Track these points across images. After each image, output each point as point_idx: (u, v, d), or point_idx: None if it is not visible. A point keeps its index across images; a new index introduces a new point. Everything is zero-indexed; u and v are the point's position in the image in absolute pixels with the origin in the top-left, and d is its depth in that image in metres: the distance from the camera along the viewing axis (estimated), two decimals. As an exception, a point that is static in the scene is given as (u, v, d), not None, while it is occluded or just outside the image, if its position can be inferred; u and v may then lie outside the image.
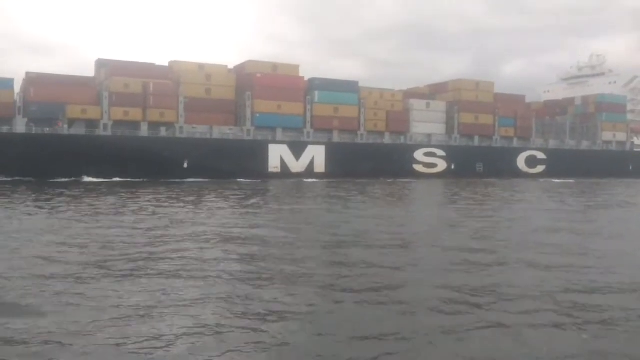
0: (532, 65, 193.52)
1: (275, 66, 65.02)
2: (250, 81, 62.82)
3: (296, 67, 66.25)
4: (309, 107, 65.76)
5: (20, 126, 52.60)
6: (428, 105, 75.34)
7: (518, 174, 78.18)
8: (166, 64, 63.02)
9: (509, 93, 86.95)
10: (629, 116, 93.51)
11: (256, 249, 16.86)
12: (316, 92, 66.32)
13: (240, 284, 12.04)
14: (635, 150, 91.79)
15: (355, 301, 10.88)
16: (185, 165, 57.56)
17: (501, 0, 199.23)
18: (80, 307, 10.10)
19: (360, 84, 71.20)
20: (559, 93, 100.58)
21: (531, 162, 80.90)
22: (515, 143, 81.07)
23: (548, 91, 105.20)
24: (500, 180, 68.75)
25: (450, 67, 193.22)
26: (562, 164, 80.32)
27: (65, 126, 53.50)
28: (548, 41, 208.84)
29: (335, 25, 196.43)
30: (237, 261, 14.80)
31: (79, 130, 54.61)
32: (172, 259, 14.80)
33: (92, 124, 55.32)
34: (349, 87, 68.89)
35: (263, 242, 18.10)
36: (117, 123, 56.04)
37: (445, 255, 16.14)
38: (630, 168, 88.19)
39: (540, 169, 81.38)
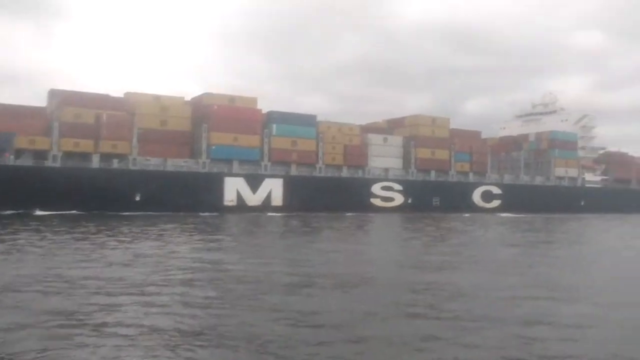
0: (493, 103, 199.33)
1: (232, 98, 64.88)
2: (207, 113, 62.46)
3: (254, 100, 66.24)
4: (266, 139, 65.60)
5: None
6: (385, 140, 76.15)
7: (474, 208, 79.25)
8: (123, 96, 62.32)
9: (465, 129, 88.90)
10: (580, 153, 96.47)
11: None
12: (274, 125, 66.33)
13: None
14: (587, 185, 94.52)
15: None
16: (138, 198, 56.40)
17: (465, 41, 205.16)
18: None
19: (325, 118, 72.08)
20: (514, 130, 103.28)
21: (487, 196, 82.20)
22: (471, 178, 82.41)
23: (504, 127, 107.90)
24: (458, 214, 69.53)
25: (413, 104, 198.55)
26: (517, 199, 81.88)
27: (12, 157, 51.89)
28: (509, 80, 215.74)
29: (302, 62, 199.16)
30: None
31: (26, 161, 53.02)
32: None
33: (41, 154, 53.77)
34: (307, 120, 69.18)
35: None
36: (67, 154, 54.69)
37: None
38: (582, 203, 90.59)
39: (495, 203, 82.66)
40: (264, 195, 64.40)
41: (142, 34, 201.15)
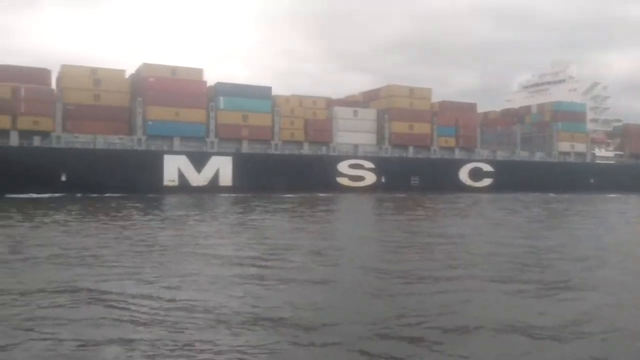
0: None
1: (174, 70, 59.60)
2: (144, 86, 57.61)
3: (199, 71, 60.83)
4: (212, 114, 60.30)
5: None
6: (356, 113, 69.59)
7: (461, 187, 71.83)
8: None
9: (457, 101, 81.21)
10: (590, 126, 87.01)
11: None
12: (221, 98, 60.90)
13: None
14: (597, 162, 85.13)
15: None
16: (63, 179, 52.30)
17: (509, 16, 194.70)
18: None
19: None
20: (520, 102, 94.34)
21: (476, 174, 74.56)
22: (457, 154, 74.90)
23: (510, 100, 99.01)
24: (440, 194, 62.51)
25: (459, 81, 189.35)
26: (512, 177, 73.94)
27: None
28: (557, 56, 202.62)
29: (345, 41, 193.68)
30: None
31: None
32: None
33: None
34: (261, 93, 63.36)
35: None
36: (-20, 132, 50.95)
37: None
38: (592, 181, 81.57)
39: (486, 182, 74.98)
40: (211, 174, 59.28)
41: (186, 18, 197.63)
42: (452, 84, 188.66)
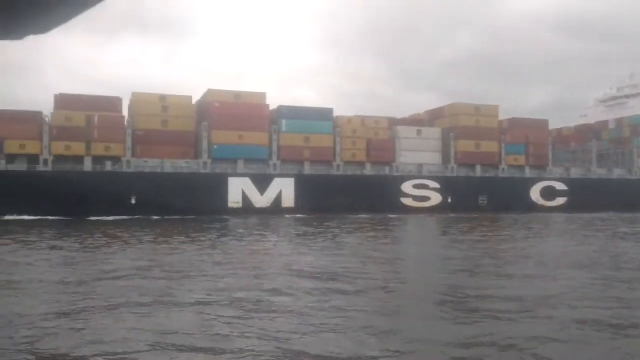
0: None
1: (238, 95, 61.06)
2: (208, 111, 59.31)
3: (262, 95, 62.03)
4: (275, 137, 61.09)
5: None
6: (419, 132, 68.42)
7: (532, 207, 68.77)
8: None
9: (527, 117, 78.35)
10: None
11: None
12: (283, 121, 61.64)
13: None
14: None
15: None
16: (133, 202, 54.38)
17: (581, 28, 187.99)
18: None
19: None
20: (596, 117, 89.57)
21: (548, 193, 71.21)
22: (528, 172, 71.89)
23: (585, 115, 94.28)
24: (512, 215, 60.15)
25: (531, 98, 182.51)
26: (588, 196, 69.92)
27: (3, 162, 51.97)
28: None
29: (413, 60, 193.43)
30: None
31: (21, 166, 52.94)
32: None
33: (33, 159, 53.50)
34: (322, 114, 63.62)
35: None
36: (59, 158, 53.92)
37: None
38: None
39: (560, 201, 71.48)
40: (274, 196, 59.82)
41: (256, 46, 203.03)
42: (525, 100, 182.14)
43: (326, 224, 45.15)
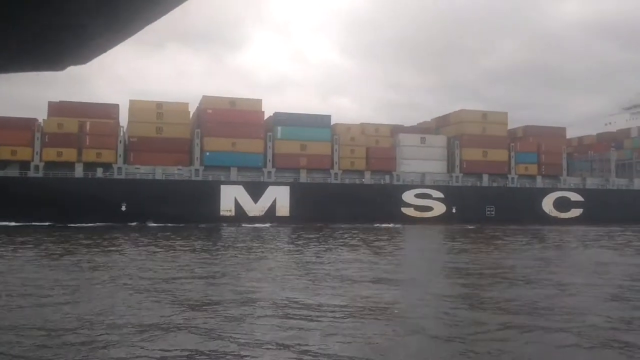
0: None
1: (233, 101, 60.29)
2: (202, 118, 58.72)
3: (258, 102, 61.07)
4: (270, 144, 59.96)
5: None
6: (423, 140, 66.18)
7: (544, 218, 65.44)
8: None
9: (543, 125, 75.06)
10: None
11: None
12: (279, 128, 60.52)
13: None
14: None
15: None
16: (123, 208, 54.07)
17: (632, 35, 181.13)
18: None
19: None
20: (621, 124, 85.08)
21: (562, 204, 67.70)
22: (540, 182, 68.58)
23: (609, 123, 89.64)
24: (522, 226, 57.30)
25: (582, 106, 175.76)
26: (606, 207, 66.10)
27: (-6, 168, 52.53)
28: None
29: (456, 70, 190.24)
30: None
31: (12, 172, 53.31)
32: None
33: (25, 165, 53.82)
34: (320, 121, 62.16)
35: None
36: (50, 164, 54.08)
37: None
38: None
39: (575, 212, 67.84)
40: (267, 204, 58.60)
41: (297, 55, 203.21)
42: (573, 108, 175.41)
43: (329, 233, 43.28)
